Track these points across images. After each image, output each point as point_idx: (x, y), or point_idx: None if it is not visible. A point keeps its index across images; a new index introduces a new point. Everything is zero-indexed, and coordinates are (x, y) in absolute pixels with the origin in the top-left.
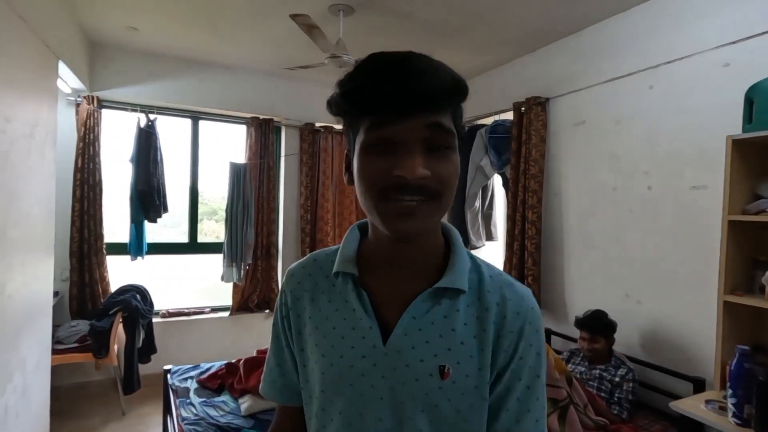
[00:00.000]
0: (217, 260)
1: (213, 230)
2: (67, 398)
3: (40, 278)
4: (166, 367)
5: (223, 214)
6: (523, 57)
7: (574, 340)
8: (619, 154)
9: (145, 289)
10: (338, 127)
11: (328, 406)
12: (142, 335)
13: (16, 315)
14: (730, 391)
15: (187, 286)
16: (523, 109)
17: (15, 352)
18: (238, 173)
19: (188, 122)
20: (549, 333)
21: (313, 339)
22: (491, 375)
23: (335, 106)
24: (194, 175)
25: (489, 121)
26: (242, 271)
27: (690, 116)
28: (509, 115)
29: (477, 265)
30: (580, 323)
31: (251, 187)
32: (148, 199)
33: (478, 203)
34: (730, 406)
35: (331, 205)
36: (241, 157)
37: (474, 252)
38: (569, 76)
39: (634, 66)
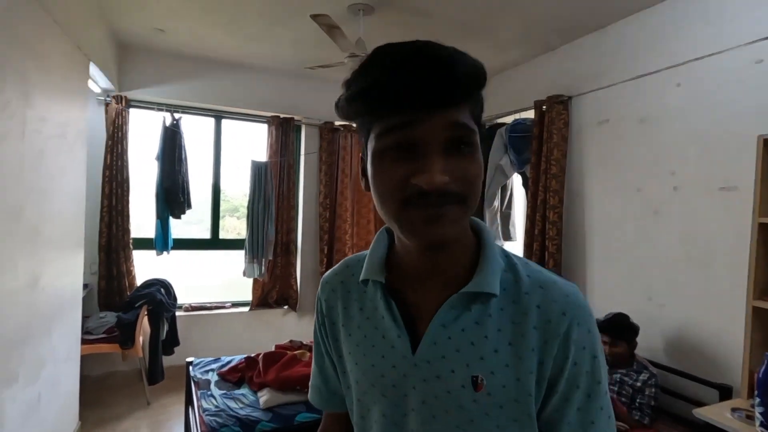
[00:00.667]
0: (237, 256)
1: (234, 227)
2: (94, 387)
3: (70, 271)
4: (189, 359)
5: (244, 210)
6: (545, 54)
7: None
8: (644, 153)
9: (169, 284)
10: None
11: (366, 415)
12: (165, 328)
13: (48, 306)
14: (758, 400)
15: (209, 281)
16: (544, 107)
17: (48, 342)
18: (259, 171)
19: (211, 121)
20: None
21: (347, 347)
22: (543, 385)
23: (343, 108)
24: (217, 173)
25: (509, 119)
26: (263, 267)
27: (719, 115)
28: (530, 114)
29: (512, 263)
30: (601, 326)
31: (272, 185)
32: (172, 196)
33: (497, 203)
34: (757, 415)
35: (350, 203)
36: (262, 156)
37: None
38: (592, 74)
39: (660, 63)
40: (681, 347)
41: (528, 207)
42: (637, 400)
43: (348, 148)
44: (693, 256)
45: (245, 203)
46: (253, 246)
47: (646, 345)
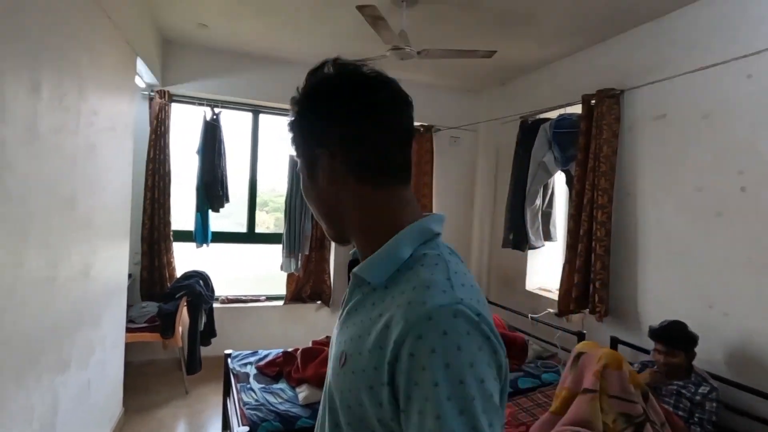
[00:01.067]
0: (271, 250)
1: (263, 221)
2: (135, 374)
3: (117, 261)
4: (227, 351)
5: (273, 205)
6: (595, 46)
7: (645, 351)
8: (706, 151)
9: (207, 276)
10: None
11: None
12: (203, 319)
13: (98, 295)
14: None
15: (244, 274)
16: (593, 102)
17: (98, 329)
18: (296, 167)
19: (249, 116)
20: (616, 342)
21: None
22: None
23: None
24: (254, 168)
25: (553, 115)
26: (299, 262)
27: None
28: (576, 109)
29: (417, 261)
30: (656, 334)
31: None
32: (212, 190)
33: (539, 201)
34: None
35: None
36: None
37: (533, 252)
38: (648, 66)
39: (728, 53)
40: (745, 359)
41: (572, 206)
42: (696, 415)
43: None
44: (760, 261)
45: (273, 198)
46: (290, 241)
47: (706, 356)
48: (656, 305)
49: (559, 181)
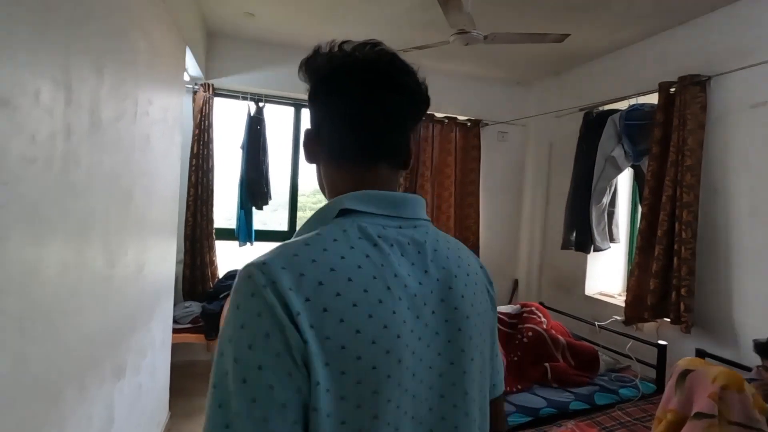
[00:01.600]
0: None
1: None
2: (180, 376)
3: (166, 259)
4: None
5: (312, 206)
6: (673, 29)
7: (741, 367)
8: None
9: None
10: (439, 115)
11: None
12: None
13: (150, 295)
14: None
15: None
16: (672, 89)
17: (149, 331)
18: None
19: (291, 110)
20: (702, 355)
21: None
22: None
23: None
24: (295, 164)
25: (622, 106)
26: None
27: None
28: (649, 99)
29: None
30: (765, 349)
31: None
32: (256, 186)
33: (605, 199)
34: None
35: (430, 197)
36: None
37: (594, 254)
38: (741, 49)
39: None
40: None
41: (644, 205)
42: None
43: (429, 139)
44: None
45: (312, 201)
46: None
47: None
48: (760, 316)
49: (622, 178)
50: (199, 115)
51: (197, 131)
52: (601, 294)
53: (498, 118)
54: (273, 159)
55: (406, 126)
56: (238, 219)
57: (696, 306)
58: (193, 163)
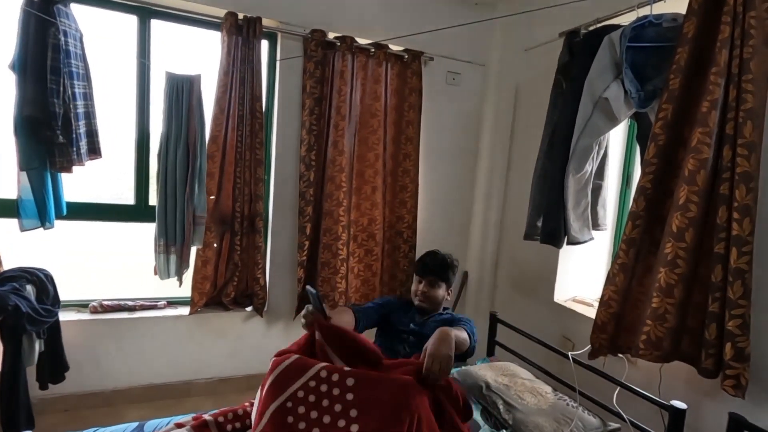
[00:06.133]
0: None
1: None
2: None
3: None
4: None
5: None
6: None
7: None
8: None
9: (45, 277)
10: (362, 41)
11: None
12: (39, 348)
13: None
14: None
15: (133, 266)
16: None
17: None
18: (177, 89)
19: (134, 21)
20: (741, 427)
21: None
22: None
23: None
24: (142, 104)
25: (626, 20)
26: (182, 261)
27: None
28: (670, 6)
29: None
30: None
31: (199, 117)
32: (41, 133)
33: (588, 167)
34: None
35: (347, 160)
36: (208, 78)
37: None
38: None
39: None
40: None
41: (646, 173)
42: None
43: (347, 74)
44: None
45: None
46: (166, 224)
47: None
48: None
49: (614, 136)
50: None
51: None
52: (575, 301)
53: (448, 51)
54: (104, 95)
55: None
56: (21, 187)
57: (752, 341)
58: None
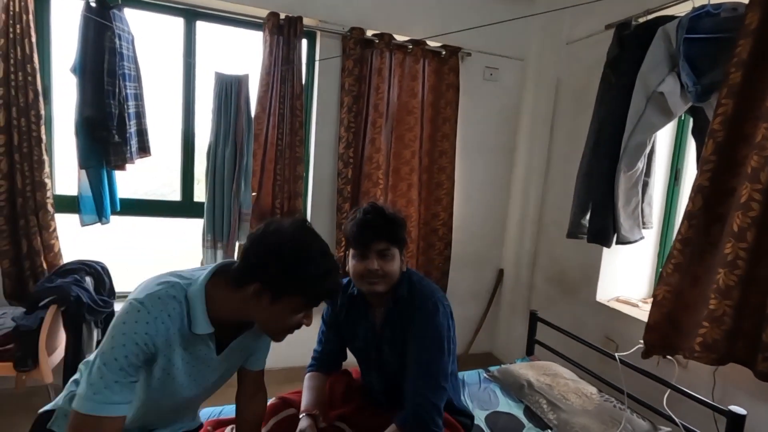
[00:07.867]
0: None
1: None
2: None
3: None
4: None
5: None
6: None
7: None
8: None
9: (101, 269)
10: (400, 38)
11: None
12: (95, 337)
13: None
14: None
15: (181, 262)
16: None
17: None
18: (226, 90)
19: (180, 23)
20: None
21: None
22: None
23: None
24: (188, 104)
25: (682, 10)
26: (229, 256)
27: None
28: None
29: None
30: None
31: (247, 119)
32: (98, 132)
33: (641, 164)
34: None
35: (384, 157)
36: (252, 79)
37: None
38: None
39: None
40: None
41: (704, 171)
42: None
43: (385, 71)
44: None
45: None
46: (214, 220)
47: None
48: None
49: (663, 133)
50: (4, 15)
51: (4, 41)
52: (618, 301)
53: (485, 46)
54: (152, 96)
55: None
56: (81, 184)
57: None
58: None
